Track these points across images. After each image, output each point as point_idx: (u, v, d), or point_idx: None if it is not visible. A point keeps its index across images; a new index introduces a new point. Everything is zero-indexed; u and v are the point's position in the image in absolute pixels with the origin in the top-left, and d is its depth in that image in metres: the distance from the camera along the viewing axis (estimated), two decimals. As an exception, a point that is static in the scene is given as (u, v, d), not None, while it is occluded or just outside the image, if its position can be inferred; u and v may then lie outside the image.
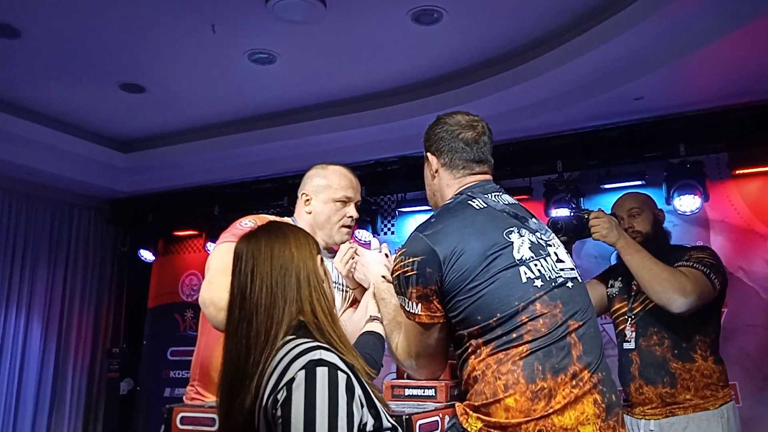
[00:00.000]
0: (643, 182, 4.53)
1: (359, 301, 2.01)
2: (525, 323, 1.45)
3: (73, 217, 6.34)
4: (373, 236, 5.34)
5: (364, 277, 1.94)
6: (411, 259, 1.54)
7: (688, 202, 4.28)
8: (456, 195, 1.69)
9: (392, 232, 5.53)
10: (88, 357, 6.37)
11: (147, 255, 6.29)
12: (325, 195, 2.11)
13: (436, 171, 1.75)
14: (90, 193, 6.24)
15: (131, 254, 6.46)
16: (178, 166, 5.68)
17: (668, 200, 4.34)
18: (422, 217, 5.62)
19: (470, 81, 4.35)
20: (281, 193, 5.56)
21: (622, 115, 4.39)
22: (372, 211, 5.30)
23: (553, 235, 1.69)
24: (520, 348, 1.44)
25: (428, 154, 1.78)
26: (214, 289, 1.78)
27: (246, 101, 4.86)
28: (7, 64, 4.21)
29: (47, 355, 6.00)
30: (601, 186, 4.70)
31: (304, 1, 3.45)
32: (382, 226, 5.47)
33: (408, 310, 1.58)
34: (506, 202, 1.68)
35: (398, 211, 5.42)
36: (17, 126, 4.88)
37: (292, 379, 1.24)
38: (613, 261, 4.64)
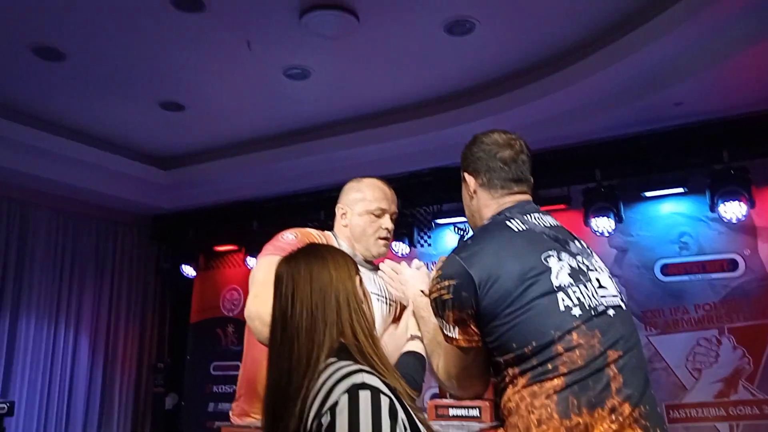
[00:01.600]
0: (686, 189, 4.43)
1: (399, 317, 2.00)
2: (561, 354, 1.40)
3: (117, 233, 6.51)
4: (410, 248, 5.33)
5: (403, 295, 1.92)
6: (447, 282, 1.50)
7: (733, 209, 4.15)
8: (494, 215, 1.65)
9: (429, 244, 5.50)
10: (134, 372, 6.50)
11: (188, 270, 6.40)
12: (359, 207, 2.12)
13: (474, 191, 1.71)
14: (133, 210, 6.40)
15: (173, 270, 6.58)
16: (217, 181, 5.79)
17: (712, 207, 4.22)
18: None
19: (504, 90, 4.32)
20: (318, 206, 5.60)
21: (662, 120, 4.29)
22: (408, 224, 5.29)
23: (596, 259, 1.60)
24: (555, 381, 1.39)
25: (465, 174, 1.73)
26: (261, 302, 1.77)
27: (282, 116, 4.93)
28: (53, 86, 4.37)
29: (95, 370, 6.15)
30: (642, 194, 4.60)
31: (337, 15, 3.50)
32: (419, 238, 5.45)
33: (446, 333, 1.54)
34: (547, 224, 1.62)
35: (434, 223, 5.40)
36: (62, 146, 5.06)
37: (336, 404, 1.23)
38: (657, 271, 4.58)
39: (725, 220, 4.25)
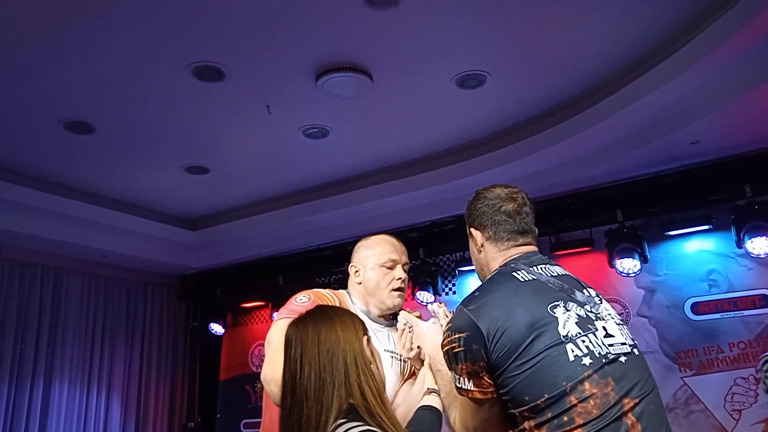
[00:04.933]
0: (710, 226, 4.39)
1: (417, 373, 2.00)
2: (575, 405, 1.39)
3: (147, 294, 6.62)
4: (435, 297, 5.32)
5: (418, 348, 1.94)
6: (457, 335, 1.52)
7: (760, 244, 4.10)
8: (501, 267, 1.69)
9: (454, 292, 5.49)
10: (165, 432, 6.50)
11: (217, 328, 6.45)
12: (371, 262, 2.16)
13: (482, 245, 1.75)
14: (161, 270, 6.52)
15: (202, 328, 6.65)
16: (242, 239, 5.89)
17: (739, 243, 4.17)
18: (484, 276, 5.49)
19: (520, 138, 4.38)
20: (341, 259, 5.59)
21: (680, 159, 4.29)
22: (432, 272, 5.30)
23: (604, 307, 1.60)
24: None
25: (471, 229, 1.79)
26: (276, 366, 1.81)
27: (302, 174, 5.05)
28: (83, 157, 4.55)
29: (127, 431, 6.16)
30: (666, 233, 4.57)
31: (352, 78, 3.62)
32: (443, 286, 5.44)
33: (459, 386, 1.56)
34: (553, 274, 1.63)
35: (458, 271, 5.40)
36: (94, 213, 5.22)
37: None
38: (688, 310, 4.50)
39: (753, 256, 4.18)
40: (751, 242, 4.11)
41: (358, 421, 1.35)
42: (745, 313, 4.34)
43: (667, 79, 3.50)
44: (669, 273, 4.66)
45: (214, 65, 3.46)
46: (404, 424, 1.89)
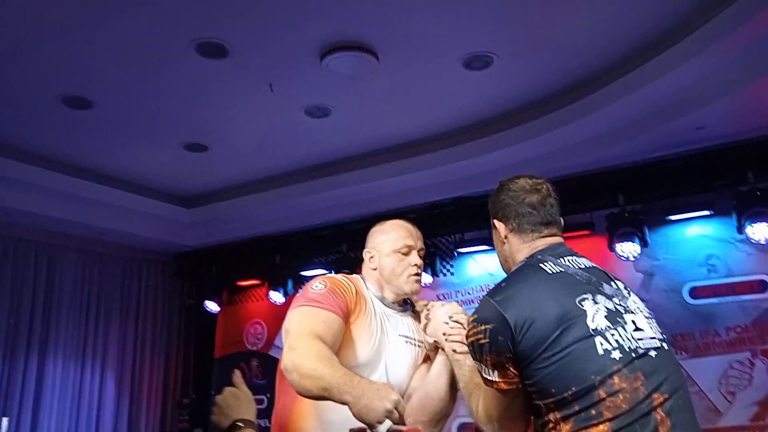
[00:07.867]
0: (712, 212, 4.41)
1: (431, 358, 2.00)
2: (603, 399, 1.38)
3: (142, 272, 6.57)
4: (434, 278, 5.32)
5: (437, 337, 1.93)
6: (483, 327, 1.51)
7: (761, 230, 4.12)
8: (527, 258, 1.67)
9: (452, 273, 5.50)
10: (159, 409, 6.50)
11: (212, 306, 6.42)
12: (386, 248, 2.14)
13: (506, 237, 1.73)
14: (157, 248, 6.47)
15: (197, 306, 6.61)
16: (239, 218, 5.84)
17: (740, 229, 4.20)
18: (482, 258, 5.54)
19: (524, 120, 4.35)
20: (339, 239, 5.63)
21: (685, 144, 4.28)
22: (431, 254, 5.28)
23: (632, 300, 1.58)
24: (600, 427, 1.37)
25: (495, 221, 1.77)
26: (297, 354, 1.79)
27: (303, 153, 4.99)
28: (81, 133, 4.48)
29: (121, 408, 6.17)
30: (667, 218, 4.58)
31: (357, 56, 3.56)
32: (441, 267, 5.45)
33: (485, 376, 1.55)
34: (581, 266, 1.61)
35: (457, 252, 5.39)
36: (90, 189, 5.16)
37: None
38: (686, 295, 4.53)
39: (753, 242, 4.21)
40: (752, 228, 4.14)
41: None
42: (743, 297, 4.39)
43: (676, 65, 3.49)
44: (668, 257, 4.69)
45: (217, 42, 3.39)
46: (421, 409, 1.89)
